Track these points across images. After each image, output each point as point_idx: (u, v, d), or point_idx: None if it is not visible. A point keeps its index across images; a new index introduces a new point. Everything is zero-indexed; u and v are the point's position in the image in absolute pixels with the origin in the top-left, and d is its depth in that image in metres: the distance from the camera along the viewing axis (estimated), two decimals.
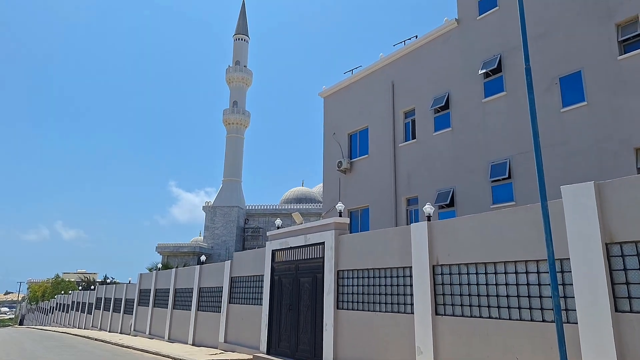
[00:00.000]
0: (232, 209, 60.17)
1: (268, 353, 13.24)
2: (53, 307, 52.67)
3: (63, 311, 46.21)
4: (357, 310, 10.53)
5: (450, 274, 8.61)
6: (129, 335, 24.95)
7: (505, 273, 7.75)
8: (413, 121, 17.57)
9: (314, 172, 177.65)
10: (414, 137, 17.35)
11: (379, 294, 10.04)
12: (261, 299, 14.43)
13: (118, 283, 37.66)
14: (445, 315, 8.48)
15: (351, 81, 20.58)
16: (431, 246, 8.92)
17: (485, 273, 8.04)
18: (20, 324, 73.65)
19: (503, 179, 13.91)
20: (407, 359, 8.94)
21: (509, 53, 14.50)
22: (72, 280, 71.61)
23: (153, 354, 15.75)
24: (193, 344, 18.00)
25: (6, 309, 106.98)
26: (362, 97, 19.89)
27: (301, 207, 57.88)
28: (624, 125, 11.54)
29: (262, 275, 14.58)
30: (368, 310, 10.23)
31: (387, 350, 9.46)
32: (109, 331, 28.89)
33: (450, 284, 8.55)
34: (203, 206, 62.39)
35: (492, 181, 14.24)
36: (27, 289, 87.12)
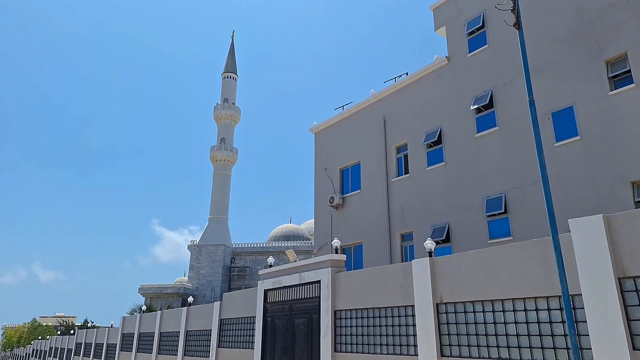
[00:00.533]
0: (218, 247, 58.93)
1: None
2: (29, 354, 50.17)
3: (40, 358, 43.97)
4: (357, 352, 10.00)
5: (455, 312, 8.26)
6: None
7: (514, 311, 7.44)
8: (405, 156, 17.54)
9: (302, 208, 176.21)
10: (407, 172, 17.26)
11: (380, 335, 9.58)
12: (253, 342, 13.73)
13: (99, 327, 36.08)
14: (451, 356, 8.09)
15: (342, 117, 20.66)
16: (434, 283, 8.59)
17: (493, 311, 7.72)
18: None
19: (499, 213, 13.77)
20: None
21: (500, 89, 14.70)
22: (50, 324, 68.81)
23: None
24: None
25: None
26: (354, 132, 19.91)
27: (289, 244, 56.91)
28: (618, 159, 11.57)
29: (254, 317, 13.94)
30: (368, 353, 9.72)
31: None
32: None
33: (456, 323, 8.19)
34: (188, 245, 61.04)
35: (488, 216, 14.09)
36: (2, 334, 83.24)
